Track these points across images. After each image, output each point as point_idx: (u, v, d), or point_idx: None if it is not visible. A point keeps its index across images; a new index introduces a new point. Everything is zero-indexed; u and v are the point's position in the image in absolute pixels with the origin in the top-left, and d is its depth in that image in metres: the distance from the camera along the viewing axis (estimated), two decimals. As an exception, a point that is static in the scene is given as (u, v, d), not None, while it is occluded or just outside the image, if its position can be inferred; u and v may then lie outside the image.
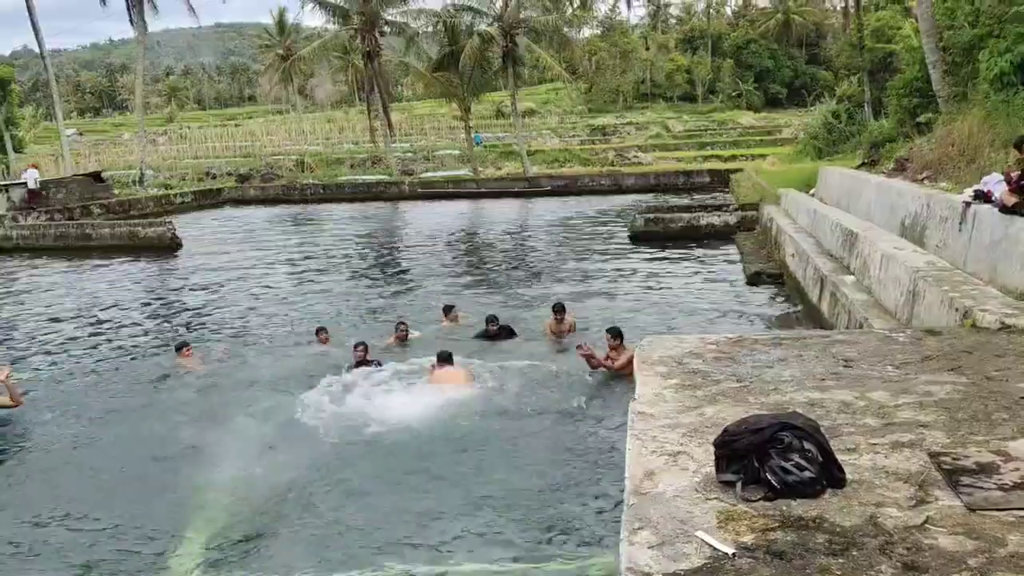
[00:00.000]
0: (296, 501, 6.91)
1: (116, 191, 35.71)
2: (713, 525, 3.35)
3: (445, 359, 9.94)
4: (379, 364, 10.58)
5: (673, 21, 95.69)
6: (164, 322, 15.06)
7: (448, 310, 13.08)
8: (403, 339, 11.84)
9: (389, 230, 28.97)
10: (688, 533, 3.30)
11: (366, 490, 7.04)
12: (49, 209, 29.48)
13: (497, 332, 11.75)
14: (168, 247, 24.25)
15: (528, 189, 37.62)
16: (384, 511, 6.56)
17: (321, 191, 40.23)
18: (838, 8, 72.24)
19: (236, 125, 72.98)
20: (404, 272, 19.60)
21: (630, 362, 10.65)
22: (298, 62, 52.03)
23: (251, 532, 6.42)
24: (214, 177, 45.01)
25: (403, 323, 12.15)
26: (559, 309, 11.97)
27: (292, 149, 53.59)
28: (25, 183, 30.61)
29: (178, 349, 11.62)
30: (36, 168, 33.01)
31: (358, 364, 10.49)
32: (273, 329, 13.75)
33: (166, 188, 40.34)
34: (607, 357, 9.75)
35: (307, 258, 21.94)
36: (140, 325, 14.78)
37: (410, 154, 49.75)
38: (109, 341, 13.53)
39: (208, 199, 38.92)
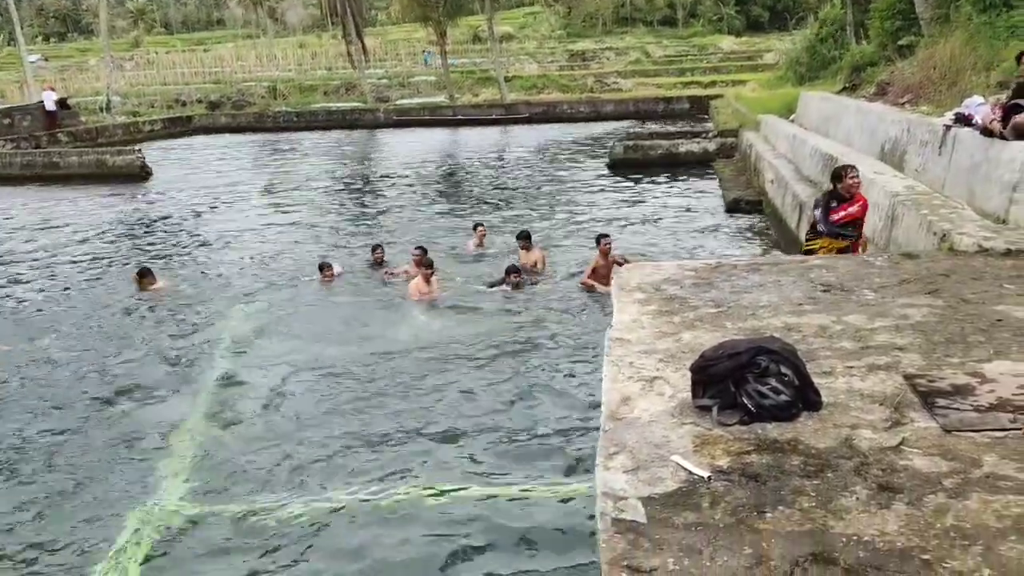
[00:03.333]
0: (262, 429, 6.85)
1: (83, 119, 34.66)
2: (689, 449, 3.33)
3: (428, 264, 10.23)
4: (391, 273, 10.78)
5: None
6: (131, 251, 14.76)
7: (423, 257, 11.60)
8: (420, 263, 10.66)
9: (364, 158, 28.46)
10: (664, 458, 3.28)
11: (337, 414, 6.99)
12: (15, 137, 28.64)
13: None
14: (137, 175, 23.69)
15: (506, 116, 37.01)
16: (355, 436, 6.53)
17: (294, 119, 39.35)
18: (822, -72, 70.50)
19: (205, 50, 70.62)
20: (379, 201, 19.33)
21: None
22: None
23: (216, 460, 6.37)
24: (184, 104, 43.80)
25: (419, 247, 11.14)
26: (523, 236, 11.67)
27: (263, 75, 52.15)
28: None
29: (140, 276, 11.36)
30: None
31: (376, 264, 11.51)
32: (242, 258, 13.53)
33: (134, 115, 39.24)
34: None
35: (280, 187, 21.55)
36: (105, 253, 14.48)
37: (385, 81, 48.61)
38: (74, 268, 13.29)
39: (178, 127, 37.97)
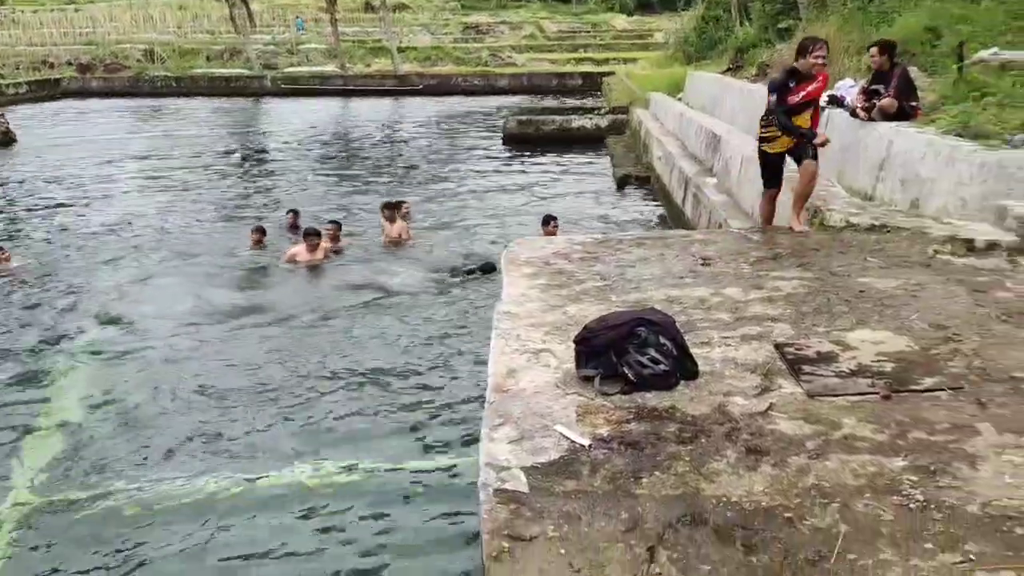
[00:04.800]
0: (129, 412, 6.50)
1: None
2: (572, 419, 3.39)
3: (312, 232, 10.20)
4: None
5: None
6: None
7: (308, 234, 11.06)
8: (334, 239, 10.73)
9: (249, 128, 27.41)
10: (547, 428, 3.33)
11: (208, 394, 6.72)
12: None
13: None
14: (0, 141, 22.04)
15: (399, 87, 36.43)
16: (229, 417, 6.31)
17: (173, 84, 37.47)
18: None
19: (76, 10, 66.04)
20: (266, 172, 18.69)
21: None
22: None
23: (77, 446, 6.03)
24: (51, 67, 40.89)
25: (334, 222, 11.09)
26: (388, 207, 11.49)
27: (140, 37, 49.21)
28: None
29: None
30: None
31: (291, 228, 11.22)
32: (112, 230, 12.79)
33: (-3, 77, 36.42)
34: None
35: (157, 156, 20.49)
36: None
37: (272, 47, 46.82)
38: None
39: (45, 90, 35.52)
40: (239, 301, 9.07)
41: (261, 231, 11.20)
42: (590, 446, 3.15)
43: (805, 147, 6.25)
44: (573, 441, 3.20)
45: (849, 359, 3.76)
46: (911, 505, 2.63)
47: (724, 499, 2.73)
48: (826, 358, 3.78)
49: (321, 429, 6.00)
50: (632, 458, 3.04)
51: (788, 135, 6.31)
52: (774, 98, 6.31)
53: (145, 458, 5.75)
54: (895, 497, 2.68)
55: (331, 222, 10.99)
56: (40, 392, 7.04)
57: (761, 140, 6.58)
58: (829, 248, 5.69)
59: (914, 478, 2.79)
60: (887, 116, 7.80)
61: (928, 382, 3.49)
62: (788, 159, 6.53)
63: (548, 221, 10.54)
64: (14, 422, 6.47)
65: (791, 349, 3.90)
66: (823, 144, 6.36)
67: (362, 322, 8.30)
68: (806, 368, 3.68)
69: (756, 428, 3.20)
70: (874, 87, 8.05)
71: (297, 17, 52.99)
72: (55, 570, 4.67)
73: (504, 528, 2.64)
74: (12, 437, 6.23)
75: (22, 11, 64.22)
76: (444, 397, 6.52)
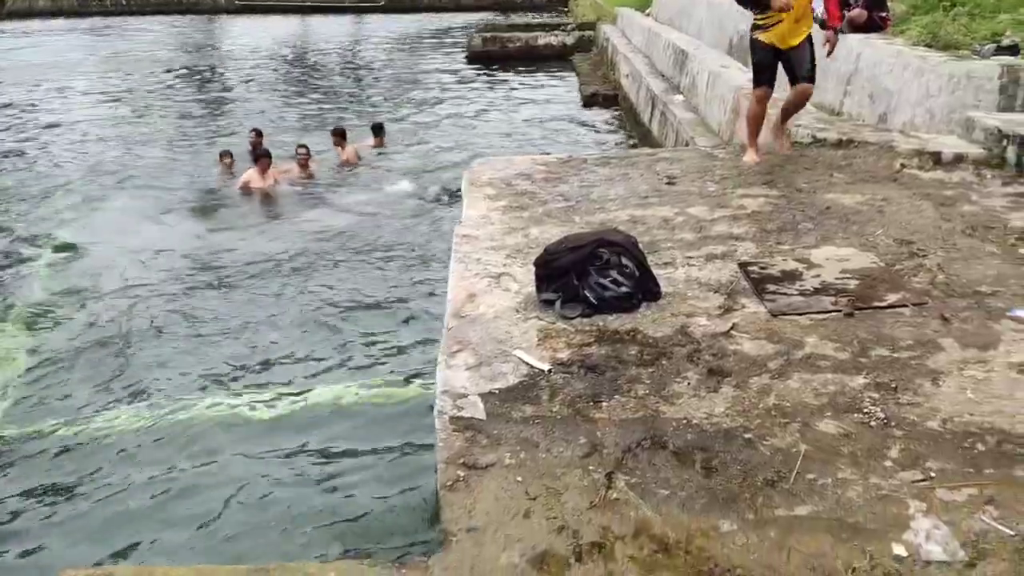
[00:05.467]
0: (85, 340, 6.31)
1: None
2: (532, 344, 3.31)
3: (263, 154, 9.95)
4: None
5: None
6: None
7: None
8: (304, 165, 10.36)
9: (206, 48, 26.35)
10: (506, 353, 3.25)
11: (165, 321, 6.56)
12: None
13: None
14: (-62, 67, 20.99)
15: (360, 4, 35.12)
16: (184, 345, 6.16)
17: (123, 3, 35.75)
18: None
19: (13, -78, 62.42)
20: (223, 95, 18.04)
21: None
22: None
23: (35, 376, 5.88)
24: (-8, -16, 38.82)
25: (303, 146, 10.62)
26: (337, 132, 11.30)
27: (85, -47, 46.76)
28: None
29: None
30: None
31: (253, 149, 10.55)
32: (63, 155, 12.30)
33: (-69, -3, 34.48)
34: None
35: (111, 80, 19.65)
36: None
37: (226, -37, 44.77)
38: None
39: (-14, 11, 33.72)
40: (196, 231, 8.79)
41: (229, 155, 10.78)
42: (549, 371, 3.08)
43: (804, 54, 5.63)
44: (532, 366, 3.13)
45: (813, 277, 3.70)
46: (871, 423, 2.60)
47: (684, 422, 2.68)
48: (790, 276, 3.72)
49: (273, 359, 5.87)
50: (592, 382, 2.97)
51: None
52: None
53: (92, 390, 5.60)
54: (856, 415, 2.65)
55: (300, 146, 10.58)
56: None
57: (754, 27, 5.80)
58: (795, 164, 5.59)
59: (875, 395, 2.76)
60: (856, 28, 7.60)
61: (892, 298, 3.45)
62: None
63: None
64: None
65: (755, 268, 3.83)
66: (831, 46, 5.93)
67: (316, 249, 8.08)
68: (770, 287, 3.62)
69: (718, 349, 3.14)
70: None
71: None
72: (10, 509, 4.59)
73: (460, 456, 2.58)
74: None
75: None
76: (403, 322, 6.40)
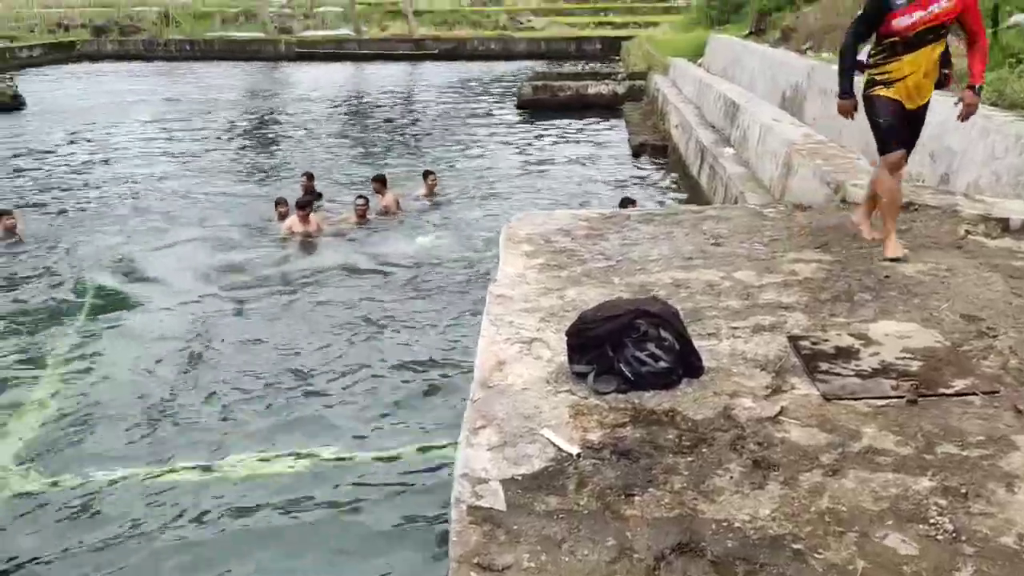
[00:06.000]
0: (117, 393, 6.27)
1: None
2: (562, 421, 3.08)
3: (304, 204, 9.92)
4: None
5: None
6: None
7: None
8: (362, 216, 10.43)
9: (264, 93, 27.03)
10: (534, 431, 3.01)
11: (201, 371, 6.50)
12: None
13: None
14: (8, 105, 21.82)
15: (414, 52, 35.84)
16: (214, 398, 6.07)
17: (188, 48, 37.10)
18: None
19: (92, -29, 65.54)
20: (280, 138, 18.37)
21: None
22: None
23: (65, 427, 5.82)
24: (67, 29, 40.66)
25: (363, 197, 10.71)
26: (378, 179, 11.32)
27: (156, 0, 48.81)
28: None
29: None
30: None
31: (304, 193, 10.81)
32: (120, 197, 12.57)
33: (11, 40, 36.16)
34: None
35: (169, 120, 20.20)
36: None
37: (288, 11, 46.28)
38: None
39: (59, 53, 35.28)
40: (236, 279, 8.81)
41: (284, 203, 10.80)
42: (579, 455, 2.83)
43: (924, 117, 4.66)
44: (561, 448, 2.89)
45: (871, 356, 3.40)
46: (939, 536, 2.30)
47: (725, 524, 2.41)
48: (845, 354, 3.43)
49: (301, 415, 5.75)
50: (625, 470, 2.72)
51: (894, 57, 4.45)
52: (859, 27, 4.66)
53: (125, 442, 5.53)
54: (921, 526, 2.35)
55: (360, 196, 10.64)
56: (37, 362, 6.85)
57: (871, 82, 4.68)
58: (851, 227, 5.28)
59: (943, 502, 2.45)
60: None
61: (959, 384, 3.13)
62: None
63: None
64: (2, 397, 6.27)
65: (807, 343, 3.55)
66: (968, 108, 4.75)
67: (349, 301, 7.99)
68: (823, 366, 3.33)
69: (765, 436, 2.87)
70: None
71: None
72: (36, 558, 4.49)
73: (475, 555, 2.34)
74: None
75: (38, -27, 63.76)
76: (428, 386, 6.22)
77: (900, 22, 4.40)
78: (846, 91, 4.73)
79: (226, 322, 7.51)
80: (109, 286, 8.54)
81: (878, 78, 4.65)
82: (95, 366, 6.71)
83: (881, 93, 4.63)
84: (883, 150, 4.76)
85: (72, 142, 17.41)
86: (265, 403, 5.92)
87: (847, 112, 4.81)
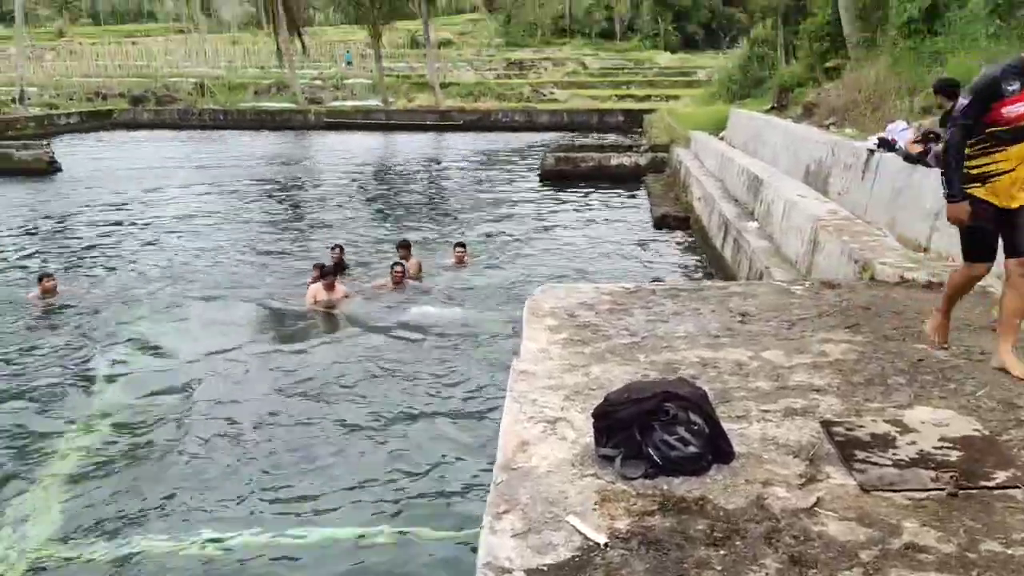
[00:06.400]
0: (141, 462, 6.25)
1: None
2: (589, 508, 2.99)
3: (329, 272, 9.92)
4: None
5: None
6: (24, 251, 13.77)
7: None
8: (399, 282, 10.49)
9: (294, 161, 27.61)
10: (559, 518, 2.92)
11: (230, 445, 6.46)
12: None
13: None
14: (45, 171, 22.44)
15: (440, 123, 36.59)
16: (234, 472, 6.01)
17: (221, 117, 38.13)
18: (757, -50, 72.58)
19: (133, 43, 68.12)
20: (309, 206, 18.66)
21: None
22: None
23: (92, 495, 5.78)
24: (104, 98, 42.02)
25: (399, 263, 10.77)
26: (403, 245, 11.44)
27: (192, 72, 50.49)
28: None
29: (39, 280, 10.53)
30: None
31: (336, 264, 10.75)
32: (154, 263, 12.75)
33: (51, 108, 37.41)
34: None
35: (203, 188, 20.63)
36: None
37: (318, 82, 47.61)
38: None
39: (96, 121, 36.39)
40: (257, 348, 8.83)
41: (320, 267, 10.84)
42: (606, 545, 2.73)
43: None
44: (587, 537, 2.79)
45: (908, 444, 3.29)
46: (989, 647, 2.17)
47: (761, 626, 2.29)
48: (881, 441, 3.33)
49: (316, 490, 5.66)
50: (654, 562, 2.62)
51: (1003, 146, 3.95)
52: (967, 109, 4.02)
53: (154, 509, 5.48)
54: (969, 632, 2.22)
55: (396, 263, 10.74)
56: (63, 427, 6.87)
57: (972, 178, 4.10)
58: (881, 306, 5.21)
59: (990, 606, 2.33)
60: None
61: (1001, 476, 3.01)
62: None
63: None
64: (14, 466, 6.25)
65: (840, 429, 3.45)
66: None
67: (372, 372, 7.95)
68: (858, 454, 3.22)
69: (800, 529, 2.76)
70: (934, 132, 7.54)
71: (346, 51, 54.05)
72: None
73: (496, 654, 2.24)
74: (10, 481, 6.01)
75: (80, 43, 66.39)
76: (449, 462, 6.11)
77: (1011, 110, 3.92)
78: (956, 193, 4.10)
79: (249, 394, 7.48)
80: (136, 353, 8.59)
81: (973, 172, 4.09)
82: (118, 436, 6.70)
83: (974, 192, 4.10)
84: (968, 257, 4.31)
85: (107, 207, 17.78)
86: (278, 477, 5.84)
87: (961, 217, 4.15)
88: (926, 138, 7.59)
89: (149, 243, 14.19)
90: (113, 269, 12.39)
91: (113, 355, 8.52)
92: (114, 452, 6.39)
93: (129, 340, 8.95)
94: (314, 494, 5.58)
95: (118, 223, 16.16)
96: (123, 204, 18.25)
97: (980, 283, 5.27)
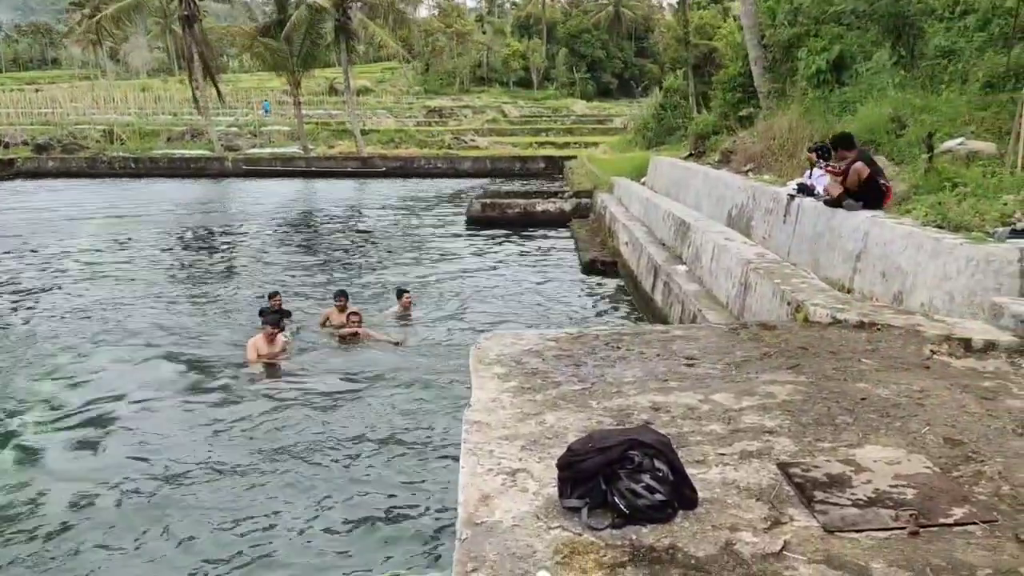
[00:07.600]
0: (49, 526, 5.85)
1: None
2: (558, 561, 2.92)
3: (274, 323, 9.73)
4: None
5: (509, 6, 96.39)
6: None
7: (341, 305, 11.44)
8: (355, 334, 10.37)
9: (209, 209, 26.94)
10: (529, 573, 2.85)
11: (152, 507, 6.12)
12: None
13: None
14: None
15: (362, 169, 36.44)
16: (171, 530, 5.70)
17: (132, 165, 37.04)
18: (664, 4, 75.85)
19: (36, 90, 65.78)
20: (222, 255, 18.17)
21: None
22: (107, 23, 47.40)
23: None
24: (7, 146, 40.31)
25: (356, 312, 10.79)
26: (340, 295, 11.34)
27: (100, 119, 48.99)
28: None
29: None
30: None
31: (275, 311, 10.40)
32: (57, 316, 12.13)
33: (-53, 157, 35.68)
34: None
35: (110, 239, 19.87)
36: None
37: (235, 129, 46.89)
38: None
39: (-2, 170, 34.82)
40: (197, 398, 8.45)
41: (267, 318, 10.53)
42: (581, 601, 2.67)
43: None
44: (561, 593, 2.73)
45: (864, 483, 3.35)
46: None
47: None
48: (839, 482, 3.38)
49: (262, 554, 5.39)
50: (632, 618, 2.57)
51: None
52: None
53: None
54: (951, 673, 2.24)
55: (353, 313, 10.61)
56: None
57: None
58: (818, 347, 5.36)
59: (967, 645, 2.36)
60: (855, 193, 7.59)
61: (958, 513, 3.09)
62: None
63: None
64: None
65: (797, 470, 3.49)
66: None
67: (315, 429, 7.71)
68: (818, 495, 3.27)
69: (773, 575, 2.75)
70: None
71: (264, 100, 53.78)
72: None
73: None
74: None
75: (-21, 91, 63.68)
76: (406, 515, 5.95)
77: None
78: None
79: (182, 453, 7.13)
80: (49, 416, 8.08)
81: None
82: (34, 501, 6.25)
83: None
84: None
85: (6, 260, 16.91)
86: (223, 543, 5.55)
87: None
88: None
89: (61, 298, 13.50)
90: (19, 323, 11.72)
91: (25, 417, 8.00)
92: (28, 529, 5.96)
93: (38, 405, 8.42)
94: (257, 558, 5.31)
95: (23, 275, 15.37)
96: (28, 254, 17.40)
97: (911, 323, 5.50)
